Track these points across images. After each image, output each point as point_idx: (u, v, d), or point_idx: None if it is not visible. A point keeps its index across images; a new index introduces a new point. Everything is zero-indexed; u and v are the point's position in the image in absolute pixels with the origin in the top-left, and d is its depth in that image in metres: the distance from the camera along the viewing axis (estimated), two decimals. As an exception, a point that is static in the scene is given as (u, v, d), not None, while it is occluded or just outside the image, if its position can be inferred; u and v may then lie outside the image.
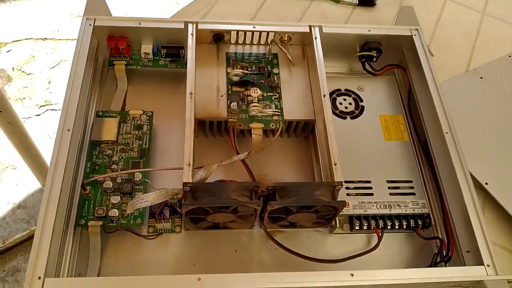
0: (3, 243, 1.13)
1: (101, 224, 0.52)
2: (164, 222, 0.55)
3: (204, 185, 0.50)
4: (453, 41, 0.84)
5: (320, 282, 0.45)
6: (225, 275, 0.45)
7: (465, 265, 0.51)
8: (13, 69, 1.49)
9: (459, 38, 0.85)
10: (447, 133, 0.57)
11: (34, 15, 1.62)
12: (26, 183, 1.24)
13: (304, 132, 0.63)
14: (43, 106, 1.43)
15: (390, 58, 0.68)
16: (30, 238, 1.11)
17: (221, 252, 0.55)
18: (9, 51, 1.54)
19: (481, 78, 0.77)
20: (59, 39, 1.58)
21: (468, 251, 0.52)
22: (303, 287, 0.46)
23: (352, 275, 0.46)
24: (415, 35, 0.66)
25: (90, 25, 0.60)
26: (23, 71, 1.50)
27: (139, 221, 0.53)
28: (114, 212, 0.52)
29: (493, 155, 0.67)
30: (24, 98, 1.44)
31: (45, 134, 1.33)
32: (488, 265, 0.48)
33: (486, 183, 0.64)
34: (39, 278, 0.43)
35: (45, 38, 1.58)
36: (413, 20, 0.68)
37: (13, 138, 0.90)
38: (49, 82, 1.47)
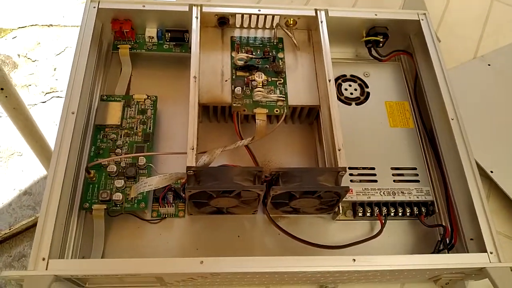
0: (9, 229, 1.14)
1: (105, 207, 0.53)
2: (168, 207, 0.55)
3: (208, 170, 0.50)
4: (461, 27, 0.83)
5: (322, 267, 0.45)
6: (227, 258, 0.45)
7: (468, 253, 0.51)
8: (18, 55, 1.49)
9: (467, 24, 0.83)
10: (452, 120, 0.56)
11: (40, 1, 1.61)
12: (32, 169, 1.25)
13: (309, 118, 0.62)
14: (48, 93, 1.43)
15: (396, 44, 0.68)
16: (36, 224, 1.12)
17: (224, 237, 0.55)
18: (14, 37, 1.53)
19: (489, 65, 0.76)
20: (65, 26, 1.57)
21: (471, 239, 0.51)
22: (305, 271, 0.46)
23: (354, 260, 0.46)
24: (422, 20, 0.65)
25: (94, 7, 0.60)
26: (28, 58, 1.50)
27: (142, 205, 0.53)
28: (118, 196, 0.53)
29: (499, 143, 0.67)
30: (30, 85, 1.44)
31: (50, 121, 1.33)
32: (491, 253, 0.48)
33: (492, 171, 0.64)
34: (43, 259, 0.44)
35: (51, 25, 1.58)
36: (420, 4, 0.67)
37: (19, 123, 0.90)
38: (54, 69, 1.47)
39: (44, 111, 1.38)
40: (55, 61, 1.49)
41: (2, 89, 0.80)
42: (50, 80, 1.46)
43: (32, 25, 1.57)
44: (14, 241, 1.13)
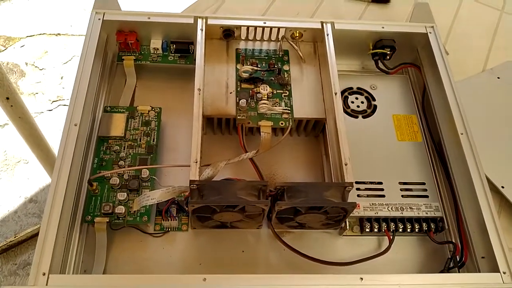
0: (15, 237, 1.14)
1: (108, 220, 0.52)
2: (171, 220, 0.54)
3: (211, 183, 0.49)
4: (470, 40, 0.82)
5: (328, 286, 0.44)
6: (230, 276, 0.44)
7: (479, 272, 0.49)
8: (26, 64, 1.51)
9: (476, 36, 0.82)
10: (462, 134, 0.55)
11: (48, 11, 1.63)
12: (38, 177, 1.25)
13: (314, 131, 0.62)
14: (55, 101, 1.44)
15: (404, 57, 0.67)
16: (41, 232, 1.12)
17: (228, 252, 0.54)
18: (22, 46, 1.55)
19: (498, 78, 0.75)
20: (72, 35, 1.58)
21: (483, 257, 0.50)
22: (311, 290, 0.45)
23: (362, 279, 0.44)
24: (430, 33, 0.64)
25: (99, 19, 0.60)
26: (36, 66, 1.51)
27: (145, 218, 0.53)
28: (121, 209, 0.52)
29: (509, 158, 0.65)
30: (37, 93, 1.45)
31: (57, 129, 1.34)
32: (504, 272, 0.46)
33: (503, 187, 0.62)
34: (44, 274, 0.43)
35: (58, 34, 1.59)
36: (428, 17, 0.67)
37: (24, 132, 0.90)
38: (61, 78, 1.48)
39: (51, 119, 1.38)
40: (62, 70, 1.51)
41: (7, 98, 0.81)
42: (57, 89, 1.47)
43: (40, 34, 1.59)
44: (19, 249, 1.13)
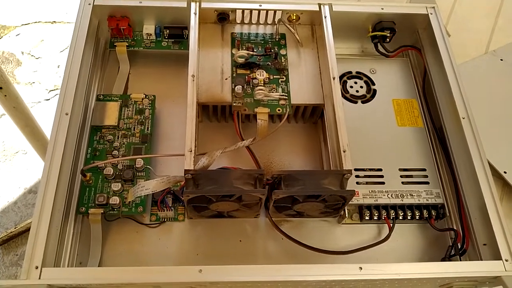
0: (15, 227, 1.14)
1: (102, 212, 0.51)
2: (167, 210, 0.53)
3: (206, 173, 0.48)
4: (472, 21, 0.80)
5: (327, 276, 0.43)
6: (227, 267, 0.43)
7: (481, 259, 0.49)
8: (22, 53, 1.48)
9: (478, 17, 0.80)
10: (464, 118, 0.54)
11: (42, -2, 1.60)
12: (37, 168, 1.24)
13: (313, 117, 0.60)
14: (52, 90, 1.42)
15: (404, 39, 0.65)
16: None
17: (225, 242, 0.53)
18: (18, 34, 1.53)
19: (501, 60, 0.73)
20: (68, 22, 1.56)
21: (484, 244, 0.49)
22: (309, 280, 0.44)
23: (361, 268, 0.44)
24: (431, 14, 0.62)
25: (89, 4, 0.58)
26: (32, 55, 1.49)
27: (140, 209, 0.52)
28: (115, 200, 0.51)
29: (513, 142, 0.64)
30: (33, 83, 1.44)
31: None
32: (506, 260, 0.45)
33: (505, 172, 0.61)
34: (36, 267, 0.42)
35: (54, 21, 1.57)
36: (429, -3, 0.65)
37: (20, 122, 0.89)
38: (58, 66, 1.46)
39: (48, 109, 1.37)
40: (58, 58, 1.48)
41: (1, 88, 0.79)
42: (53, 78, 1.45)
43: (36, 22, 1.56)
44: (20, 239, 1.13)
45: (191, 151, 0.47)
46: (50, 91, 1.41)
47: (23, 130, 0.92)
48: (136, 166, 0.53)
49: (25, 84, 1.42)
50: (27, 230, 1.15)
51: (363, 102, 0.60)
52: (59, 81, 1.44)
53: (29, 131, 0.93)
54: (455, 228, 0.53)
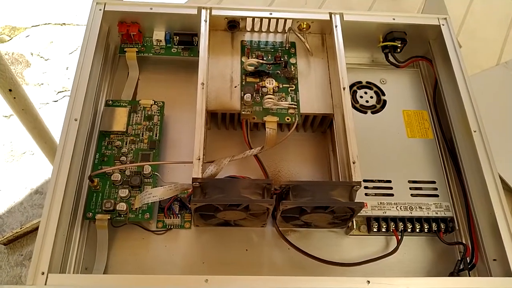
0: (21, 228, 1.14)
1: (109, 217, 0.51)
2: (174, 217, 0.53)
3: (214, 182, 0.48)
4: (484, 32, 0.79)
5: (333, 289, 0.43)
6: (233, 277, 0.43)
7: (491, 275, 0.48)
8: (31, 54, 1.50)
9: (490, 28, 0.80)
10: (475, 131, 0.53)
11: (53, 0, 1.61)
12: (44, 169, 1.25)
13: (322, 126, 0.60)
14: (60, 92, 1.43)
15: (415, 49, 0.64)
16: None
17: (232, 251, 0.53)
18: (27, 36, 1.54)
19: (513, 72, 0.72)
20: (77, 24, 1.57)
21: (494, 259, 0.48)
22: (316, 293, 0.43)
23: (369, 282, 0.43)
24: (443, 25, 0.62)
25: (100, 9, 0.58)
26: (41, 56, 1.50)
27: (147, 215, 0.51)
28: (122, 206, 0.51)
29: (524, 156, 0.63)
30: (42, 84, 1.45)
31: (62, 120, 1.34)
32: (517, 277, 0.44)
33: (516, 186, 0.60)
34: (43, 273, 0.42)
35: (64, 23, 1.58)
36: (441, 8, 0.64)
37: (28, 124, 0.89)
38: (67, 68, 1.47)
39: (56, 110, 1.38)
40: (67, 60, 1.49)
41: (10, 90, 0.79)
42: (62, 79, 1.46)
43: (45, 23, 1.57)
44: (26, 239, 1.13)
45: (199, 159, 0.47)
46: (58, 92, 1.42)
47: (31, 132, 0.93)
48: (144, 172, 0.53)
49: (34, 85, 1.43)
50: (32, 231, 1.15)
51: (372, 113, 0.60)
52: (67, 82, 1.45)
53: (37, 133, 0.93)
54: (464, 242, 0.53)
